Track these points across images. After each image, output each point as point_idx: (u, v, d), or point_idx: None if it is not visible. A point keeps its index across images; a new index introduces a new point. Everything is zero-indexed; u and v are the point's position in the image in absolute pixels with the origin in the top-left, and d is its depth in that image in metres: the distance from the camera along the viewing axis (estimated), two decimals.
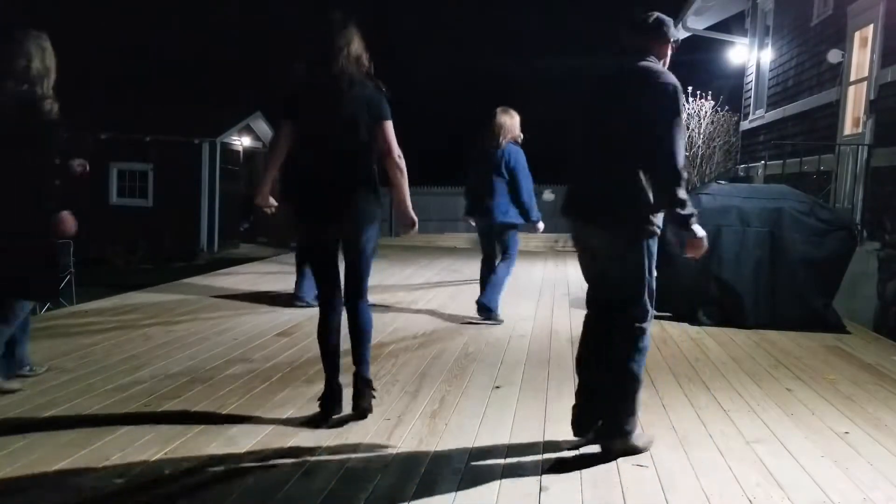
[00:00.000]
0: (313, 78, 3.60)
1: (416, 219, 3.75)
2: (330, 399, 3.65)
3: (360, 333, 3.70)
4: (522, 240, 9.08)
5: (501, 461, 3.20)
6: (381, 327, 5.95)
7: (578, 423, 3.36)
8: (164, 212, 18.88)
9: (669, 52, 3.36)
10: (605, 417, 3.28)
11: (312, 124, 3.59)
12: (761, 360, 5.13)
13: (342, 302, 3.70)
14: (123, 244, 17.75)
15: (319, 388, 4.14)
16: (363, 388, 3.67)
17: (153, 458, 3.11)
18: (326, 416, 3.61)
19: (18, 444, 3.23)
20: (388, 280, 8.83)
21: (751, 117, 12.86)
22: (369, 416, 3.68)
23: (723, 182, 7.68)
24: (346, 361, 3.70)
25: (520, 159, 6.14)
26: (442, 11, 34.60)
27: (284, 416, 3.68)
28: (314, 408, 3.74)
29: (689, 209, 3.15)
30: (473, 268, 10.44)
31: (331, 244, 3.68)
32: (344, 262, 3.72)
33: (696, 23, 13.30)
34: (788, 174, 8.75)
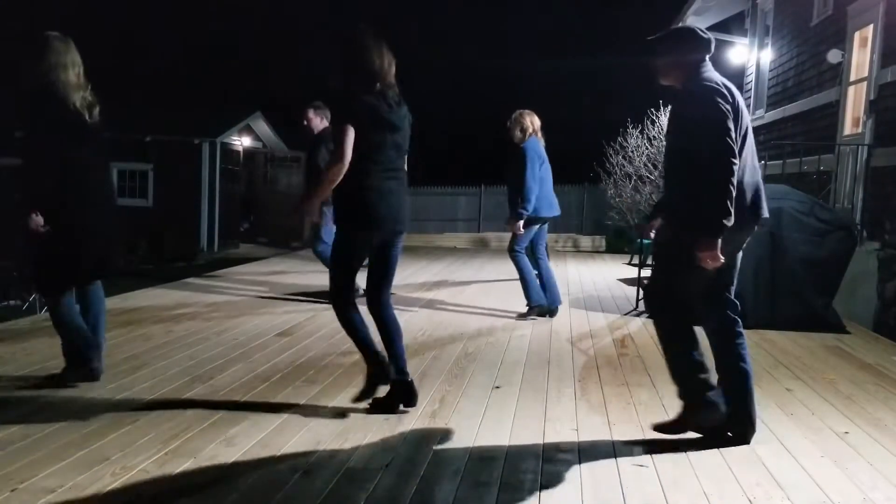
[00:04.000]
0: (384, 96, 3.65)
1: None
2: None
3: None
4: None
5: (501, 461, 3.20)
6: None
7: None
8: (164, 212, 18.87)
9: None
10: None
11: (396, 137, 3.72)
12: (761, 360, 5.12)
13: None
14: (123, 244, 17.73)
15: (319, 387, 4.18)
16: None
17: (153, 458, 3.11)
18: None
19: (18, 444, 3.23)
20: None
21: (751, 117, 12.86)
22: (369, 415, 3.69)
23: None
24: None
25: None
26: (442, 11, 34.62)
27: (284, 416, 3.68)
28: (314, 408, 3.77)
29: None
30: (473, 268, 10.49)
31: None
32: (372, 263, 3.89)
33: (696, 23, 13.25)
34: (788, 174, 8.74)
